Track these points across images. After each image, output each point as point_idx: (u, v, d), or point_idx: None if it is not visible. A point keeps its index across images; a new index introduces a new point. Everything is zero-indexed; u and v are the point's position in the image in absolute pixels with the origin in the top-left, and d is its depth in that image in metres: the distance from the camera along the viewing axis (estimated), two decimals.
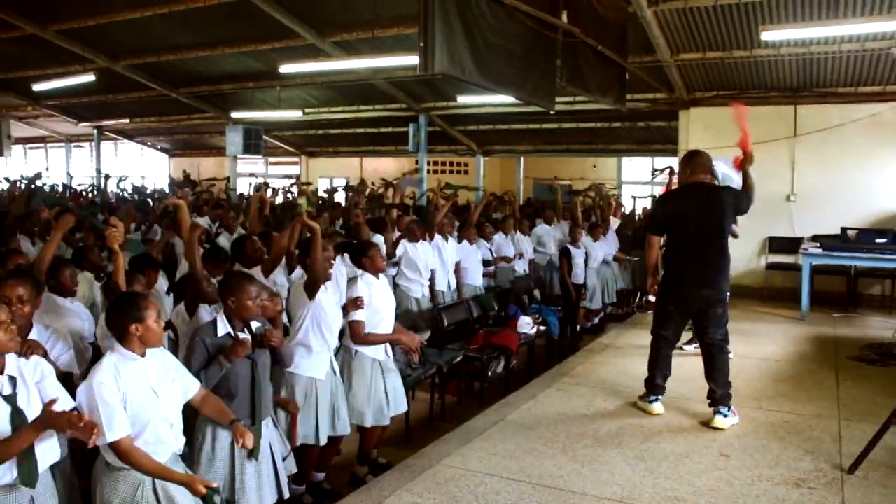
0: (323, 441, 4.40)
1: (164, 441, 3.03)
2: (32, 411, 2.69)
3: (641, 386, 5.56)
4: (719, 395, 5.13)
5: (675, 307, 5.29)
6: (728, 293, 5.30)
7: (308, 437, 4.36)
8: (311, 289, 4.40)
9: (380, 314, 4.83)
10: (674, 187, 6.06)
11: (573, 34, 7.34)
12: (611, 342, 7.72)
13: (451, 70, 5.73)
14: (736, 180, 5.45)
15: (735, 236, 7.66)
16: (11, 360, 2.76)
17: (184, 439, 3.18)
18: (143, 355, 3.01)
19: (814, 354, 7.31)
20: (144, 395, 2.96)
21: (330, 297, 4.55)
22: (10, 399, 2.66)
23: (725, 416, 5.10)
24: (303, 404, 4.36)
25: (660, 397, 5.40)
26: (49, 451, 2.76)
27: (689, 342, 7.00)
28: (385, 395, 4.81)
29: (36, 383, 2.80)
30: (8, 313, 2.74)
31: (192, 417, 3.46)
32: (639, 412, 5.36)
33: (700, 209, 5.14)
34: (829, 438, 4.84)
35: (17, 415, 2.64)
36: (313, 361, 4.43)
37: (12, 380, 2.71)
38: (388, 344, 4.95)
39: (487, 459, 4.44)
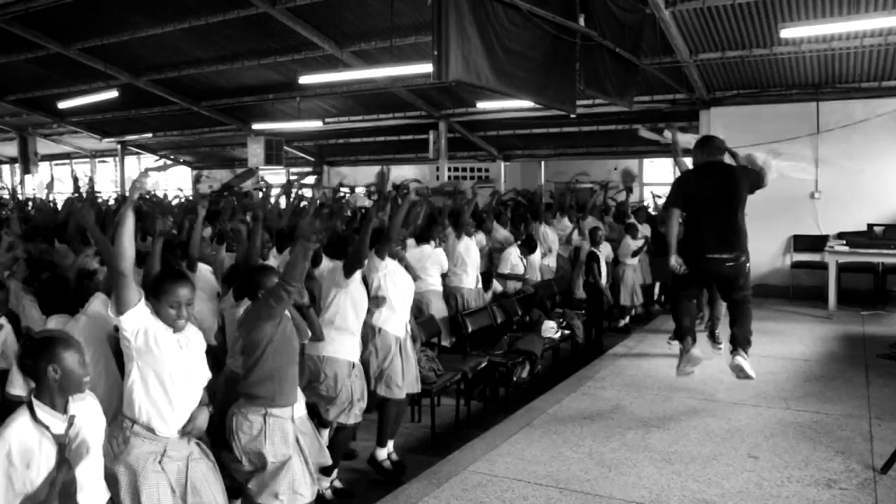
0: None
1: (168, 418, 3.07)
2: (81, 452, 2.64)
3: (667, 388, 5.54)
4: (740, 338, 5.31)
5: (697, 274, 5.44)
6: (748, 264, 5.43)
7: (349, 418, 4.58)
8: (350, 268, 4.55)
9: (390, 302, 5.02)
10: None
11: (591, 37, 7.33)
12: (635, 345, 7.68)
13: (466, 77, 5.74)
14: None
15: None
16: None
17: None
18: (175, 330, 3.11)
19: (842, 353, 7.22)
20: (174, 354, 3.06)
21: (358, 279, 4.68)
22: (60, 438, 2.57)
23: (746, 358, 5.25)
24: (343, 387, 4.51)
25: (694, 343, 5.50)
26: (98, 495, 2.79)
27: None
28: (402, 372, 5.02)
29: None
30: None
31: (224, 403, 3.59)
32: (663, 415, 5.33)
33: (717, 184, 5.38)
34: (860, 438, 4.78)
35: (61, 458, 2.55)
36: (352, 344, 4.61)
37: (70, 419, 2.63)
38: (407, 322, 5.19)
39: (514, 465, 4.44)
